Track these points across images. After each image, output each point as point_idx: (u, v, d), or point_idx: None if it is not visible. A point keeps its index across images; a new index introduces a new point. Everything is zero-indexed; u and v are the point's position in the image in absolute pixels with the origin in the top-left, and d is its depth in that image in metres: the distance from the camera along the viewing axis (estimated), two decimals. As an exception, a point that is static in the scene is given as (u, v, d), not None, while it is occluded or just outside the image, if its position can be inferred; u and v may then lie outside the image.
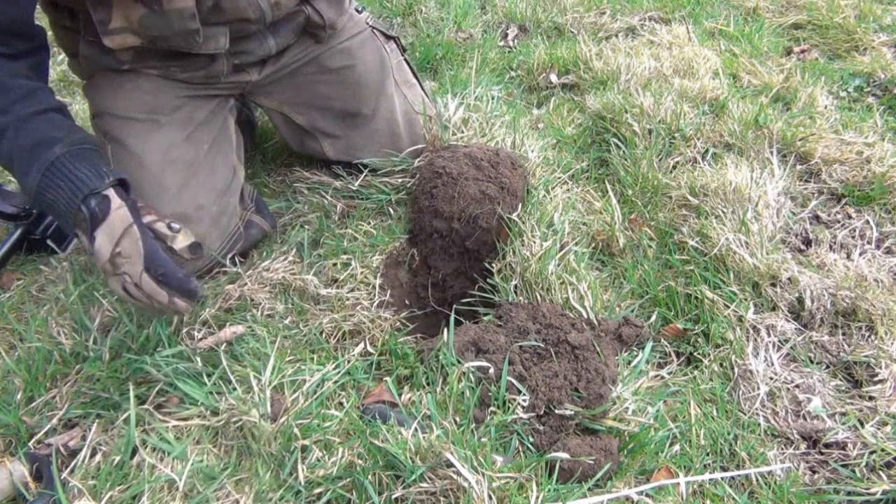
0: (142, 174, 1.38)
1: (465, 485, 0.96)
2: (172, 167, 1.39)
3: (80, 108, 2.20)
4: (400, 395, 1.16)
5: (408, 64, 1.75)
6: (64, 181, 1.12)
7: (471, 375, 1.17)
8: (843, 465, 1.11)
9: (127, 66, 1.36)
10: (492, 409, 1.14)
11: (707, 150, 1.83)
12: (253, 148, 1.91)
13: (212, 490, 1.00)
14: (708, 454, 1.15)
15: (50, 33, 1.31)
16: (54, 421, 1.14)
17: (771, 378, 1.25)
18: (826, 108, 2.03)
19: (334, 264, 1.47)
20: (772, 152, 1.80)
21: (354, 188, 1.66)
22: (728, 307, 1.35)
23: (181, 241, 1.21)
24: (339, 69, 1.59)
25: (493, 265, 1.46)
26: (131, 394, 1.11)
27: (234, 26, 1.37)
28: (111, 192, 1.15)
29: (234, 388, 1.16)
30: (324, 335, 1.32)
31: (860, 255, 1.50)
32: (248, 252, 1.52)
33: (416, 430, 1.05)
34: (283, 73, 1.56)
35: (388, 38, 1.72)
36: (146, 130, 1.39)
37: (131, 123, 1.38)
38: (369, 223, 1.58)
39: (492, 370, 1.19)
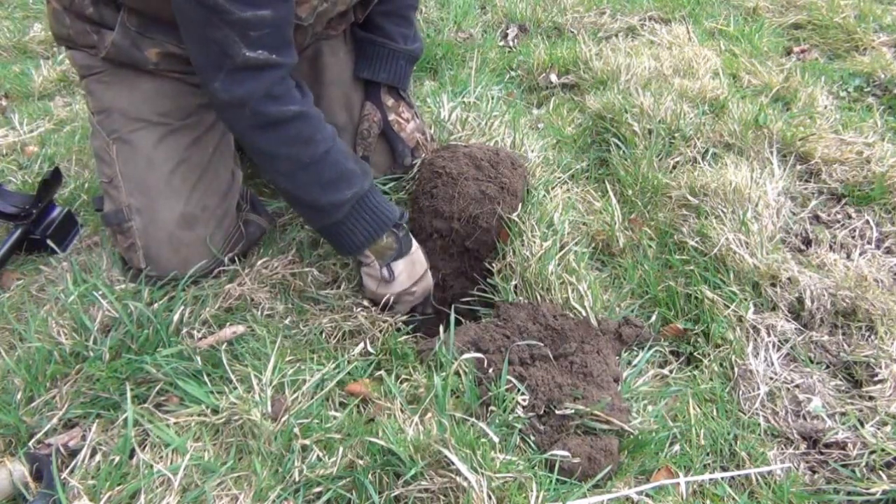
0: (151, 175, 1.38)
1: (465, 484, 0.96)
2: (182, 170, 1.39)
3: (79, 108, 2.20)
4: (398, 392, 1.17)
5: None
6: (370, 213, 1.28)
7: (470, 374, 1.17)
8: (843, 465, 1.11)
9: (152, 66, 1.36)
10: (492, 408, 1.14)
11: (707, 150, 1.83)
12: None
13: (210, 486, 1.00)
14: (708, 454, 1.15)
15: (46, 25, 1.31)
16: (54, 421, 1.13)
17: (771, 378, 1.25)
18: (826, 108, 2.03)
19: (334, 264, 1.47)
20: (772, 152, 1.80)
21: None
22: (728, 307, 1.35)
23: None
24: (328, 81, 1.60)
25: (493, 265, 1.46)
26: (128, 394, 1.11)
27: None
28: (406, 229, 1.35)
29: (235, 388, 1.16)
30: (324, 335, 1.32)
31: (860, 255, 1.50)
32: (248, 251, 1.52)
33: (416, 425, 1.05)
34: None
35: None
36: (159, 133, 1.39)
37: (143, 125, 1.39)
38: (369, 223, 1.58)
39: (491, 370, 1.19)
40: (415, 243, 1.36)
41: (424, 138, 1.66)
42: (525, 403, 1.14)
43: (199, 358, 1.21)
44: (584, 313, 1.32)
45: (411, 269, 1.34)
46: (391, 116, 1.61)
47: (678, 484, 1.06)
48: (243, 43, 1.13)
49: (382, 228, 1.29)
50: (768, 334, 1.32)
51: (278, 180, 1.28)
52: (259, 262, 1.46)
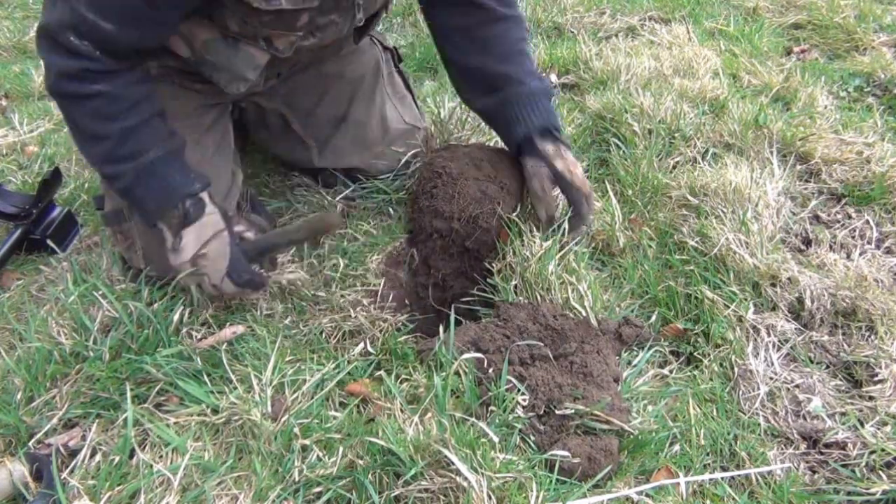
0: None
1: (465, 484, 0.96)
2: None
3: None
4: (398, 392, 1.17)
5: (401, 76, 1.76)
6: (156, 182, 1.21)
7: (470, 374, 1.17)
8: (843, 465, 1.11)
9: (152, 73, 1.35)
10: (492, 408, 1.14)
11: (707, 150, 1.83)
12: (249, 144, 1.90)
13: (210, 485, 1.00)
14: (708, 454, 1.15)
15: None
16: (54, 421, 1.13)
17: (771, 378, 1.25)
18: (826, 108, 2.03)
19: (333, 264, 1.47)
20: (772, 152, 1.80)
21: (354, 188, 1.67)
22: (728, 307, 1.35)
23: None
24: (334, 74, 1.60)
25: (493, 265, 1.46)
26: (128, 394, 1.11)
27: (268, 71, 1.39)
28: (206, 197, 1.26)
29: (235, 388, 1.16)
30: (324, 335, 1.32)
31: (860, 255, 1.50)
32: (247, 252, 1.52)
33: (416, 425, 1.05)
34: (284, 78, 1.57)
35: (386, 48, 1.72)
36: None
37: None
38: (369, 223, 1.58)
39: (491, 370, 1.19)
40: (209, 208, 1.26)
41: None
42: (525, 403, 1.14)
43: (198, 358, 1.21)
44: (584, 313, 1.32)
45: (199, 232, 1.24)
46: (559, 165, 1.41)
47: (678, 484, 1.06)
48: (72, 30, 1.11)
49: (171, 199, 1.22)
50: (768, 334, 1.32)
51: (75, 140, 1.25)
52: (259, 262, 1.46)
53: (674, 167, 1.79)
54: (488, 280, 1.46)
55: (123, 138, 1.20)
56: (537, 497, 0.97)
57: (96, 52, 1.14)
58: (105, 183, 1.33)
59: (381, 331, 1.32)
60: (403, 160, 1.67)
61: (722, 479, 1.09)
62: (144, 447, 1.08)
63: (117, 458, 1.05)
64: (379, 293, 1.42)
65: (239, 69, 1.33)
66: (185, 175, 1.25)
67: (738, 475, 1.10)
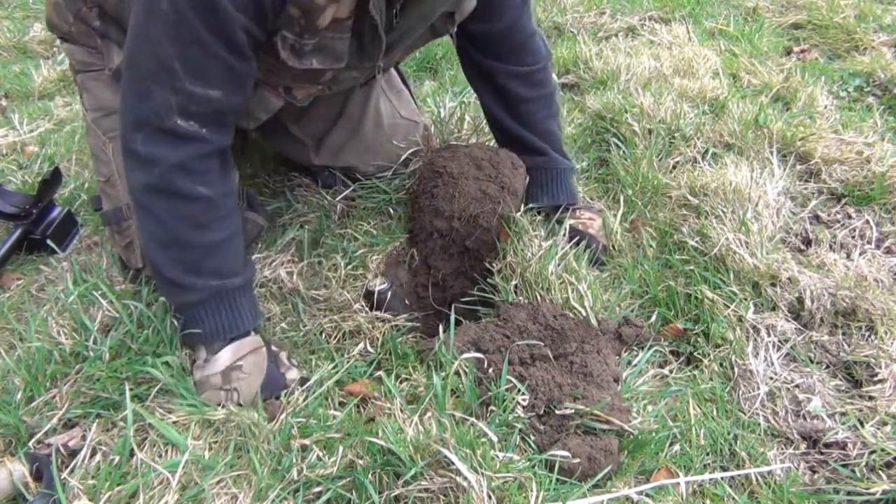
0: None
1: (465, 484, 0.96)
2: None
3: (79, 107, 2.20)
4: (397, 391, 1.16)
5: (398, 72, 1.76)
6: (229, 312, 1.17)
7: (470, 374, 1.17)
8: (843, 465, 1.11)
9: None
10: (492, 408, 1.14)
11: (707, 150, 1.83)
12: (248, 144, 1.90)
13: (209, 483, 1.00)
14: (708, 454, 1.15)
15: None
16: (54, 421, 1.13)
17: (771, 378, 1.25)
18: (826, 108, 2.03)
19: (333, 264, 1.47)
20: (772, 152, 1.80)
21: (354, 188, 1.67)
22: (728, 307, 1.35)
23: (294, 374, 1.23)
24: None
25: (493, 265, 1.46)
26: (128, 394, 1.11)
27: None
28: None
29: (234, 388, 1.16)
30: (323, 335, 1.32)
31: (860, 255, 1.50)
32: (246, 250, 1.52)
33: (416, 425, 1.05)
34: None
35: None
36: None
37: None
38: (369, 223, 1.58)
39: (491, 370, 1.19)
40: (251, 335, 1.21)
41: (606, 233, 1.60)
42: (525, 403, 1.14)
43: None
44: (584, 313, 1.32)
45: (237, 347, 1.18)
46: (571, 222, 1.53)
47: (678, 484, 1.06)
48: (178, 110, 1.07)
49: (229, 333, 1.17)
50: (768, 334, 1.32)
51: (150, 246, 1.16)
52: (258, 262, 1.46)
53: (674, 167, 1.79)
54: (488, 280, 1.46)
55: (209, 252, 1.15)
56: (537, 497, 0.97)
57: (202, 130, 1.10)
58: (166, 290, 1.20)
59: (380, 331, 1.32)
60: (403, 157, 1.67)
61: (722, 479, 1.09)
62: (143, 447, 1.08)
63: (117, 458, 1.05)
64: (376, 292, 1.42)
65: (253, 110, 1.34)
66: (253, 313, 1.21)
67: (738, 475, 1.10)
